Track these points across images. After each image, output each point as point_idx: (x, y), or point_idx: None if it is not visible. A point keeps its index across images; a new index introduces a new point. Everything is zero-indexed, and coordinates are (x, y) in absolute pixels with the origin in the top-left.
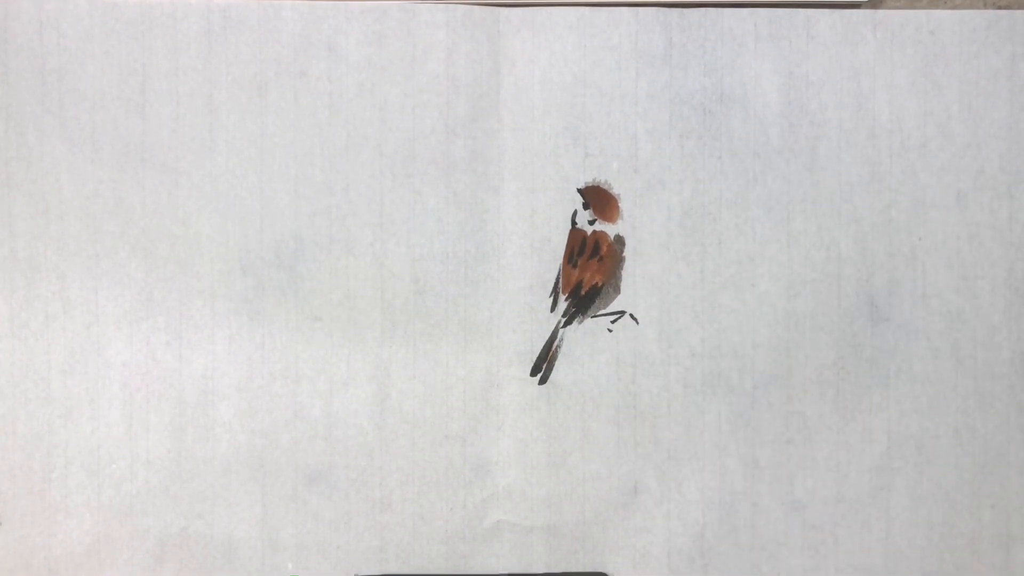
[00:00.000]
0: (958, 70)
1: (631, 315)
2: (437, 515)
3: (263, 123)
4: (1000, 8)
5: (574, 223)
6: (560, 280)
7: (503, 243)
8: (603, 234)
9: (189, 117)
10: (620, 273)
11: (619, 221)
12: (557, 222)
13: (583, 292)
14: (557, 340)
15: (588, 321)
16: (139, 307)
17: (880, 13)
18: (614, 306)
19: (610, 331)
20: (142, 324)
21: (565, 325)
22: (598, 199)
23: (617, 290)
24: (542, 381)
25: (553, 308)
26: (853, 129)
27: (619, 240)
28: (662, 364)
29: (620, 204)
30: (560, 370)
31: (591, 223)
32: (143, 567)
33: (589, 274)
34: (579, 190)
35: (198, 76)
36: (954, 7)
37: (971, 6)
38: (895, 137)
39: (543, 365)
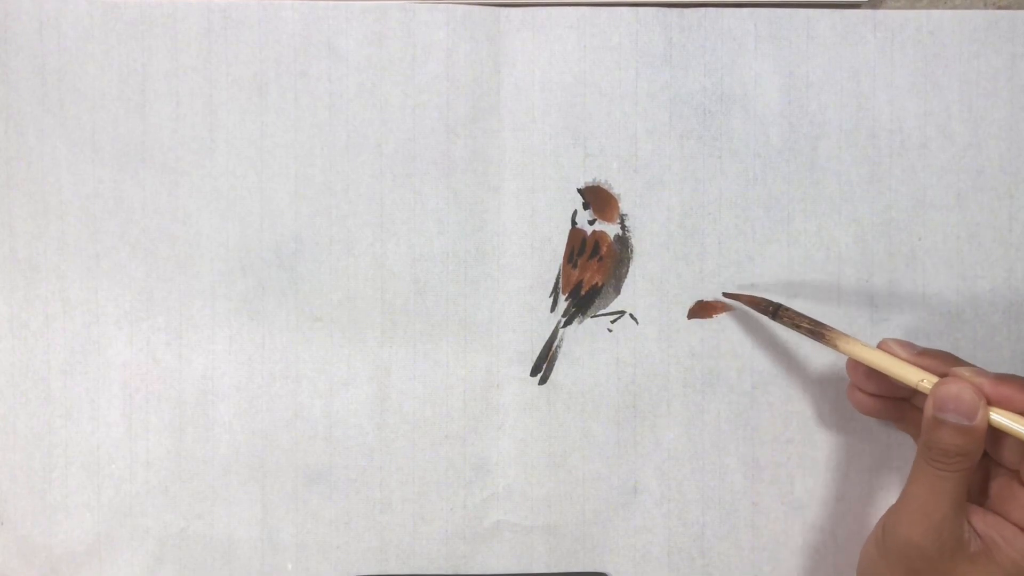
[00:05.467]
0: (958, 70)
1: (631, 315)
2: (437, 515)
3: (263, 123)
4: (1000, 8)
5: (574, 223)
6: (560, 280)
7: (503, 243)
8: (603, 234)
9: (189, 117)
10: (620, 273)
11: (618, 221)
12: (557, 222)
13: (583, 292)
14: (557, 340)
15: (588, 321)
16: (139, 307)
17: (880, 13)
18: (614, 306)
19: (610, 331)
20: (142, 324)
21: (565, 325)
22: (598, 199)
23: (617, 290)
24: (542, 381)
25: (553, 308)
26: (853, 129)
27: (619, 240)
28: (662, 364)
29: (620, 204)
30: (560, 370)
31: (591, 223)
32: (143, 567)
33: (589, 274)
34: (579, 190)
35: (198, 76)
36: (954, 7)
37: (971, 6)
38: (895, 137)
39: (543, 365)
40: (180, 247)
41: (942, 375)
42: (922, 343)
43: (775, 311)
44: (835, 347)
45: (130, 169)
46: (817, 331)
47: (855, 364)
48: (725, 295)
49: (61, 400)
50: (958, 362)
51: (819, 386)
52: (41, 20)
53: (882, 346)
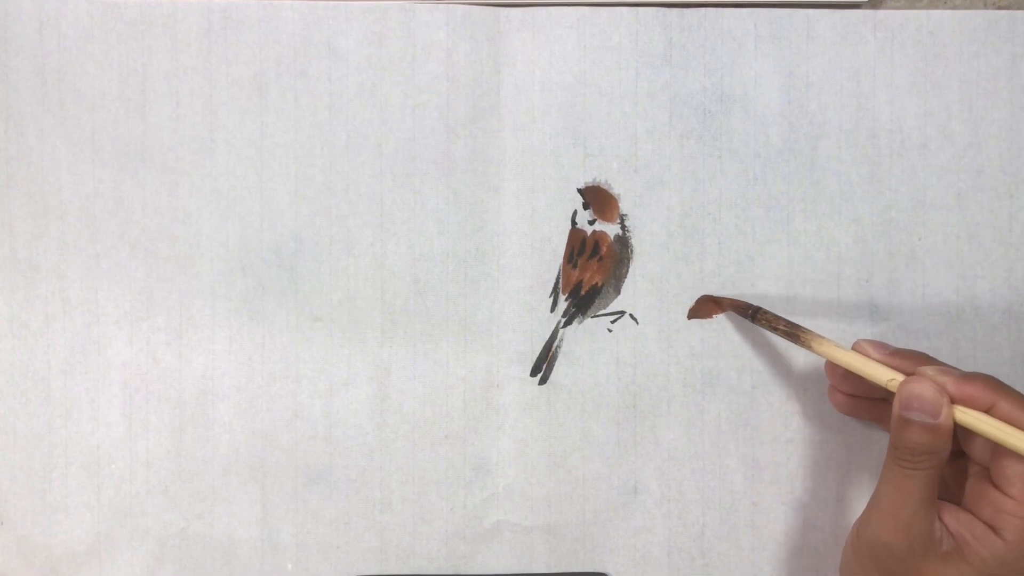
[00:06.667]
0: (958, 70)
1: (631, 315)
2: (437, 515)
3: (263, 123)
4: (1000, 8)
5: (574, 223)
6: (560, 280)
7: (503, 243)
8: (603, 234)
9: (189, 117)
10: (620, 273)
11: (618, 221)
12: (557, 222)
13: (583, 292)
14: (557, 340)
15: (588, 321)
16: (139, 307)
17: (880, 13)
18: (614, 306)
19: (610, 331)
20: (142, 324)
21: (565, 325)
22: (598, 199)
23: (617, 290)
24: (542, 381)
25: (553, 308)
26: (853, 129)
27: (619, 240)
28: (662, 364)
29: (620, 204)
30: (560, 370)
31: (591, 223)
32: (143, 567)
33: (589, 274)
34: (579, 190)
35: (198, 76)
36: (954, 7)
37: (971, 6)
38: (895, 137)
39: (543, 365)
40: (180, 247)
41: (912, 374)
42: (922, 343)
43: (754, 314)
44: (810, 348)
45: (130, 169)
46: (793, 333)
47: (832, 366)
48: (707, 297)
49: (61, 400)
50: (929, 361)
51: (819, 386)
52: (41, 20)
53: (856, 347)
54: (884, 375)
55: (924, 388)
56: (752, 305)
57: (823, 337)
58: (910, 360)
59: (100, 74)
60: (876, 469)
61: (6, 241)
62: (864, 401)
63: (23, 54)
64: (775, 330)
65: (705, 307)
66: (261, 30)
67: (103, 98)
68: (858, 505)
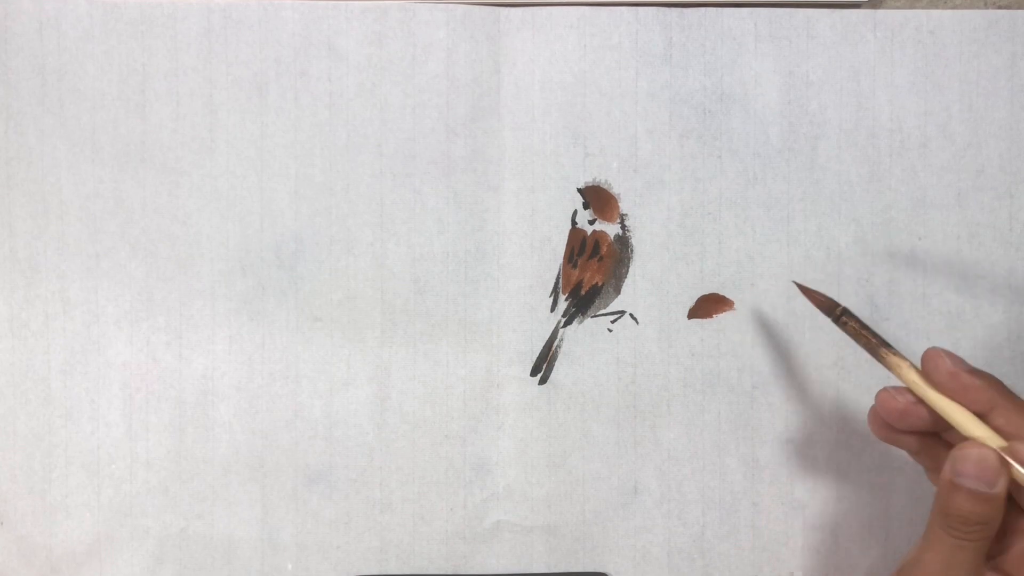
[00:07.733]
0: (958, 70)
1: (631, 315)
2: (437, 515)
3: (263, 123)
4: (1000, 8)
5: (574, 223)
6: (560, 280)
7: (503, 243)
8: (603, 234)
9: (189, 117)
10: (620, 273)
11: (618, 221)
12: (557, 222)
13: (583, 292)
14: (557, 340)
15: (588, 321)
16: (139, 307)
17: (880, 13)
18: (614, 306)
19: (610, 331)
20: (142, 324)
21: (565, 325)
22: (598, 199)
23: (617, 290)
24: (542, 381)
25: (553, 308)
26: (853, 129)
27: (619, 240)
28: (662, 364)
29: (620, 204)
30: (560, 370)
31: (591, 223)
32: (143, 567)
33: (589, 274)
34: (579, 190)
35: (198, 76)
36: (954, 7)
37: (971, 6)
38: (895, 137)
39: (543, 365)
40: (180, 247)
41: (988, 410)
42: (922, 343)
43: (840, 315)
44: (894, 372)
45: (130, 169)
46: (875, 350)
47: (892, 398)
48: (797, 284)
49: (61, 400)
50: (1004, 392)
51: (819, 386)
52: (41, 20)
53: (928, 356)
54: (982, 433)
55: (985, 454)
56: (840, 305)
57: (912, 364)
58: (983, 392)
59: (100, 74)
60: (876, 469)
61: (6, 241)
62: (912, 433)
63: (23, 54)
64: (857, 337)
65: (705, 307)
66: (261, 30)
67: (103, 98)
68: (858, 505)
